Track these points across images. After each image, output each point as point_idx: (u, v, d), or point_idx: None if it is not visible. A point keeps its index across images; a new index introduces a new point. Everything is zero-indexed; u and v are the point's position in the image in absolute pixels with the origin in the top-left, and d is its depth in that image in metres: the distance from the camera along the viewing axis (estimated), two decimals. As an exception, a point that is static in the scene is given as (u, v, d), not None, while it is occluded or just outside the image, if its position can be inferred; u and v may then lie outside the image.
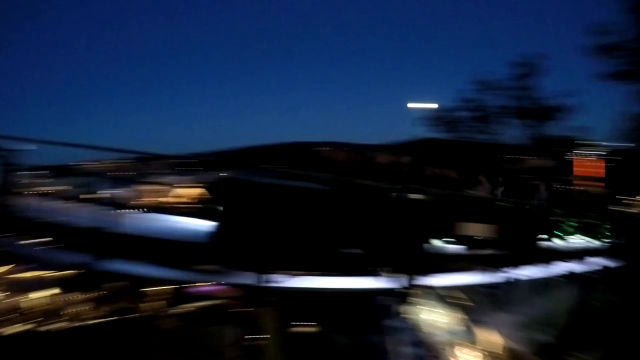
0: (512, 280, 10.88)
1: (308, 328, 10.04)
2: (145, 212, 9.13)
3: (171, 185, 9.94)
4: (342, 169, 10.98)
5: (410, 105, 23.41)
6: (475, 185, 13.54)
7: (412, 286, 9.47)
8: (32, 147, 8.13)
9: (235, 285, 8.80)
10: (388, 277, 9.22)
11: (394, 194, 10.06)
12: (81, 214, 8.12)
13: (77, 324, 10.76)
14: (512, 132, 30.36)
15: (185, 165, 9.92)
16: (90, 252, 7.82)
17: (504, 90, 29.13)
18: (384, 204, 9.40)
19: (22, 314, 11.74)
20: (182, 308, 10.28)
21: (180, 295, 10.21)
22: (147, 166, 9.69)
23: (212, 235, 7.89)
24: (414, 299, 9.91)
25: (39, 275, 11.12)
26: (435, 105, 27.48)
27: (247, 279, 8.23)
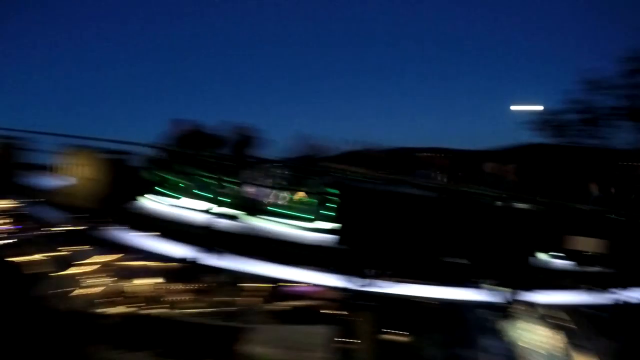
0: (621, 304, 10.07)
1: (400, 337, 9.85)
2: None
3: (274, 187, 10.12)
4: (446, 176, 10.70)
5: (513, 107, 22.22)
6: (585, 194, 12.66)
7: (513, 302, 9.05)
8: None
9: (333, 288, 8.80)
10: (489, 290, 8.87)
11: (499, 203, 9.67)
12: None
13: (176, 311, 11.25)
14: (625, 136, 27.48)
15: (289, 168, 10.05)
16: (198, 246, 8.11)
17: (614, 89, 26.49)
18: (488, 213, 9.05)
19: (125, 298, 12.59)
20: (277, 305, 10.43)
21: (277, 294, 10.37)
22: (253, 169, 9.90)
23: (319, 238, 7.97)
24: (514, 315, 9.45)
25: (144, 264, 11.74)
26: (540, 108, 25.74)
27: (347, 282, 8.21)
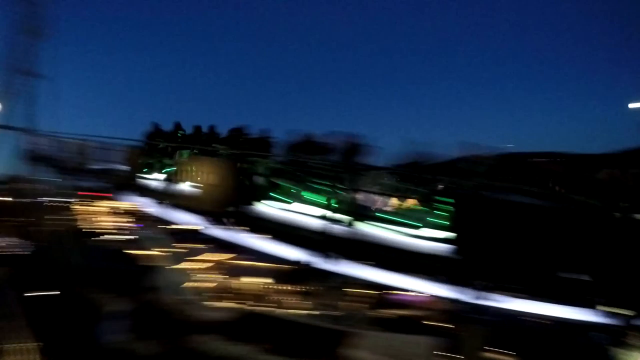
0: None
1: (507, 357, 9.41)
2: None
3: (385, 194, 10.14)
4: (562, 184, 10.01)
5: (632, 105, 20.46)
6: None
7: (632, 326, 8.25)
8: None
9: (441, 298, 8.63)
10: (605, 311, 8.17)
11: (618, 214, 8.88)
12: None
13: (283, 310, 11.63)
14: None
15: (398, 175, 10.01)
16: (309, 249, 8.33)
17: None
18: (607, 225, 8.35)
19: (234, 294, 13.38)
20: (383, 313, 10.43)
21: (383, 300, 10.38)
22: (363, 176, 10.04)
23: (430, 246, 7.86)
24: (631, 341, 8.63)
25: (255, 264, 12.35)
26: (668, 104, 23.47)
27: (456, 293, 8.01)
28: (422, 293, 8.96)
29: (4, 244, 28.11)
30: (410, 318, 10.04)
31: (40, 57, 22.72)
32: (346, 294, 10.34)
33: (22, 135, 21.41)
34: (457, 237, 7.82)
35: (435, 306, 9.11)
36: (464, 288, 7.88)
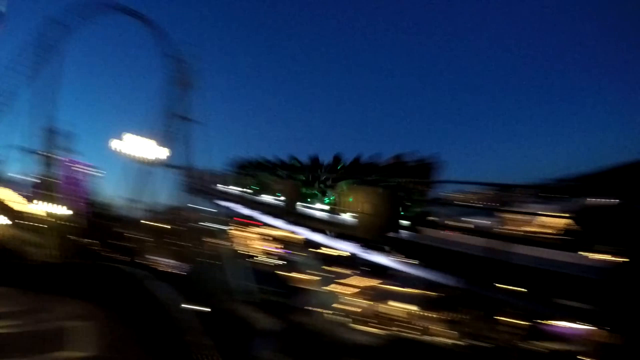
0: None
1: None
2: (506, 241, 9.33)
3: (535, 214, 9.85)
4: None
5: None
6: None
7: None
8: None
9: (602, 330, 8.10)
10: None
11: None
12: (451, 240, 8.88)
13: (426, 338, 11.71)
14: None
15: (549, 192, 9.65)
16: (458, 275, 8.42)
17: None
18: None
19: (382, 319, 13.80)
20: (534, 345, 10.03)
21: (536, 331, 10.00)
22: (510, 195, 9.91)
23: (600, 272, 7.43)
24: None
25: (402, 289, 12.68)
26: None
27: (618, 326, 7.48)
28: (578, 325, 8.54)
29: (165, 264, 32.04)
30: (565, 353, 9.52)
31: (191, 104, 26.78)
32: (495, 322, 10.15)
33: (181, 171, 24.81)
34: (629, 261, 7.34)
35: (594, 339, 8.59)
36: (629, 320, 7.39)
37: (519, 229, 9.52)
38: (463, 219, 11.00)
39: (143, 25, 28.35)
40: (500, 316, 9.73)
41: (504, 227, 8.65)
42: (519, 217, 9.42)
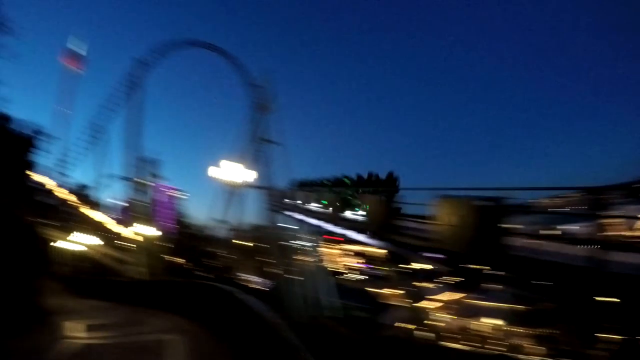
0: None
1: None
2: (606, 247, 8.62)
3: (634, 217, 9.03)
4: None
5: None
6: None
7: None
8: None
9: None
10: None
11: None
12: (544, 250, 8.32)
13: (514, 355, 11.07)
14: None
15: None
16: (551, 287, 7.87)
17: None
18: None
19: (470, 335, 13.23)
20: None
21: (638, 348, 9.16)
22: (600, 198, 9.19)
23: None
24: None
25: (488, 304, 12.13)
26: None
27: None
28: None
29: (253, 281, 32.90)
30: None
31: (271, 127, 27.75)
32: (596, 339, 9.31)
33: (265, 191, 25.56)
34: None
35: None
36: None
37: (615, 233, 8.85)
38: (552, 226, 10.40)
39: (220, 56, 30.03)
40: (597, 331, 8.98)
41: (597, 232, 8.09)
42: (614, 220, 8.75)
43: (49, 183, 28.86)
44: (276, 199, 24.88)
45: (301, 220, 20.30)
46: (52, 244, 28.71)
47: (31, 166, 20.92)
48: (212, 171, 22.84)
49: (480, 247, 7.92)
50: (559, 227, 10.21)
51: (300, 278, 23.40)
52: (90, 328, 9.71)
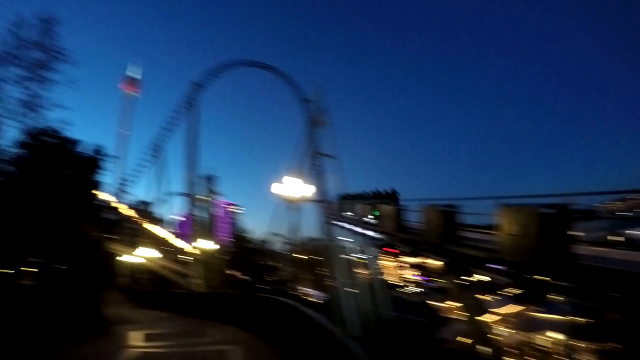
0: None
1: None
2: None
3: None
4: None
5: None
6: None
7: None
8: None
9: None
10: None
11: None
12: (611, 258, 7.77)
13: None
14: None
15: None
16: (615, 297, 7.37)
17: None
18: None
19: (531, 350, 12.52)
20: None
21: None
22: None
23: None
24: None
25: (549, 317, 11.47)
26: None
27: None
28: None
29: (311, 294, 32.83)
30: None
31: (324, 141, 27.86)
32: None
33: (322, 205, 25.56)
34: None
35: None
36: None
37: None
38: (617, 231, 9.74)
39: (272, 74, 30.68)
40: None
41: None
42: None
43: (113, 200, 30.29)
44: (332, 211, 24.87)
45: (358, 233, 20.14)
46: (115, 257, 30.27)
47: (96, 185, 22.14)
48: (275, 187, 23.09)
49: (546, 257, 7.47)
50: (623, 232, 9.56)
51: (355, 291, 23.16)
52: (151, 337, 9.97)
